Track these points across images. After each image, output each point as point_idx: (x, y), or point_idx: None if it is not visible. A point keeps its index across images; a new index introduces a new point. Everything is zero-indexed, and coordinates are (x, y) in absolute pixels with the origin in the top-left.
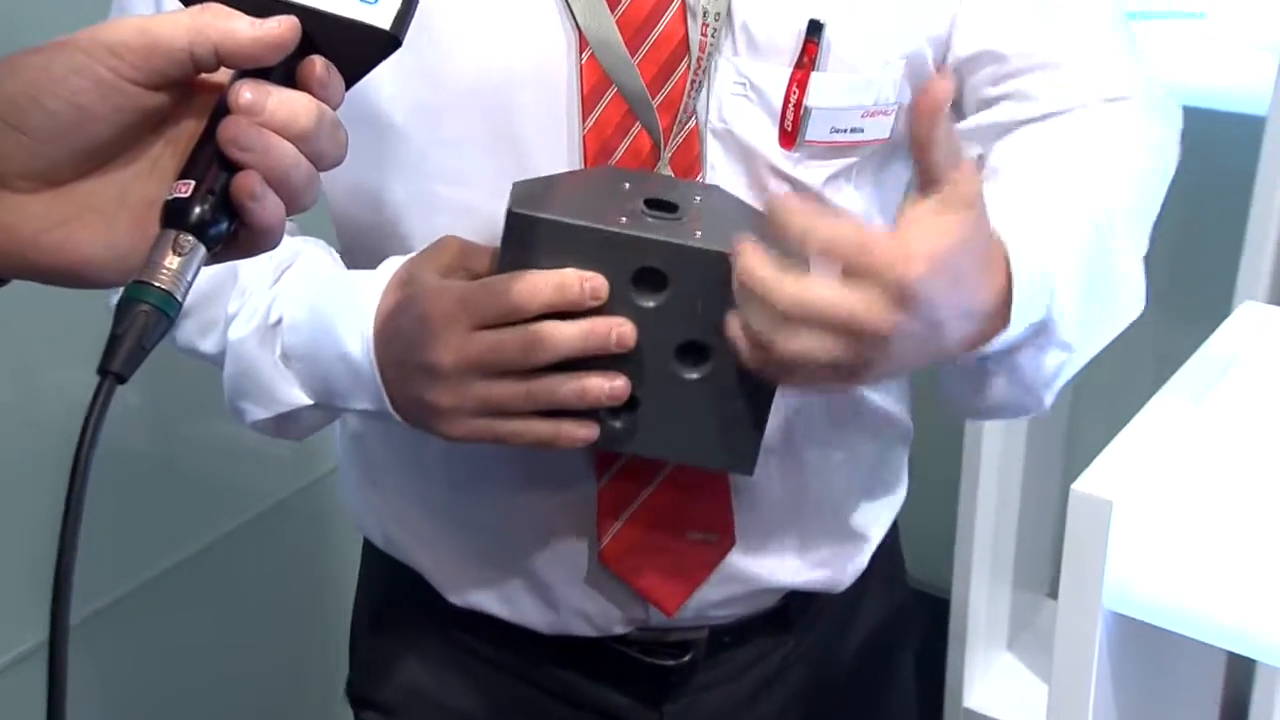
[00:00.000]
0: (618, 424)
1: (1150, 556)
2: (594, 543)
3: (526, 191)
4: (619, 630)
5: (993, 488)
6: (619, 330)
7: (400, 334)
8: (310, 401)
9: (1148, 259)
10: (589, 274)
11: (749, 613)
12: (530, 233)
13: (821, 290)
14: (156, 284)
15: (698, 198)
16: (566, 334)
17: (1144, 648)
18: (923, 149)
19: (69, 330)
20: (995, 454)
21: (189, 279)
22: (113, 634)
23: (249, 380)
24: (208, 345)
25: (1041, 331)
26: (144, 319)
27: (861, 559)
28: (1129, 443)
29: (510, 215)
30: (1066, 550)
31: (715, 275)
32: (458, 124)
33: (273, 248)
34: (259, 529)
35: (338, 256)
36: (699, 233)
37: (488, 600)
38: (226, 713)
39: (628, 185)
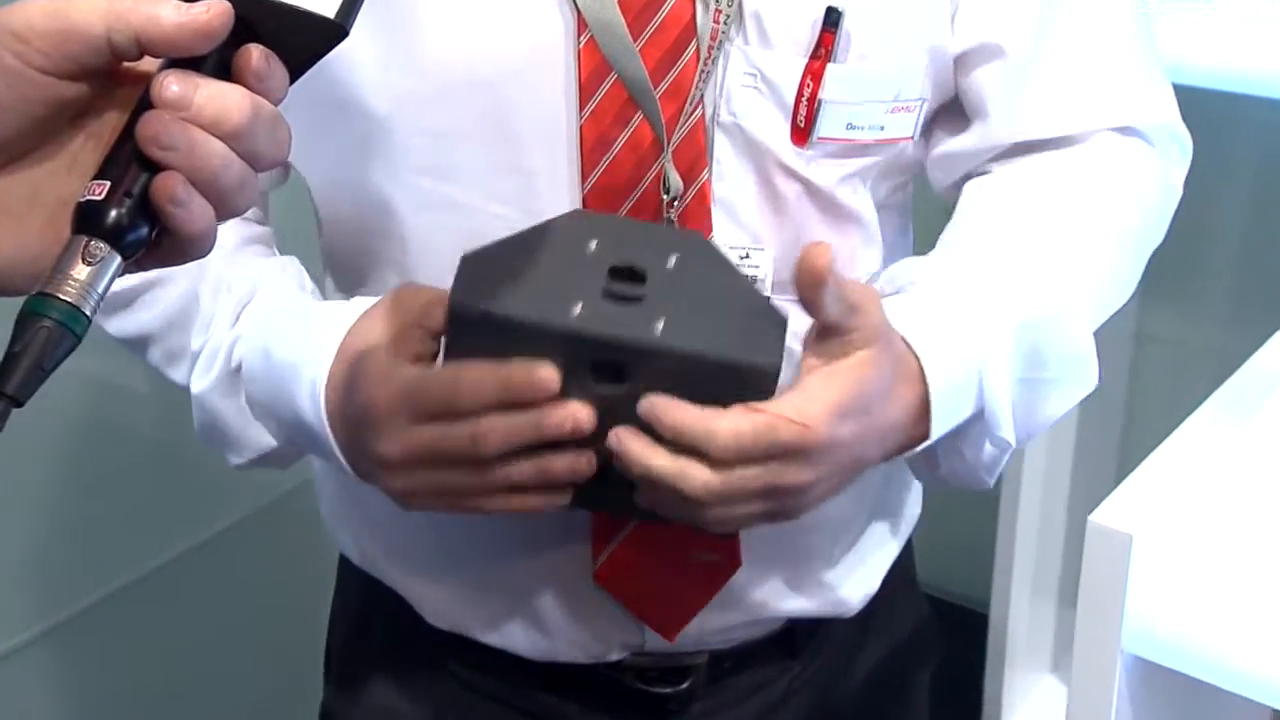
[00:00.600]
0: (589, 487)
1: (1175, 596)
2: (588, 564)
3: (474, 271)
4: (613, 657)
5: (1037, 494)
6: (575, 419)
7: (347, 418)
8: (279, 443)
9: (1210, 262)
10: (539, 366)
11: (752, 638)
12: (476, 325)
13: (741, 472)
14: (61, 296)
15: (672, 257)
16: (516, 426)
17: (1173, 698)
18: (812, 309)
19: None
20: (1040, 458)
21: (100, 291)
22: (105, 628)
23: (219, 431)
24: (177, 375)
25: (978, 422)
26: (45, 335)
27: (872, 583)
28: (1155, 470)
29: (453, 307)
30: (1083, 587)
31: (678, 369)
32: (445, 114)
33: (203, 255)
34: (255, 526)
35: (306, 279)
36: (662, 320)
37: (471, 624)
38: (213, 711)
39: (594, 245)
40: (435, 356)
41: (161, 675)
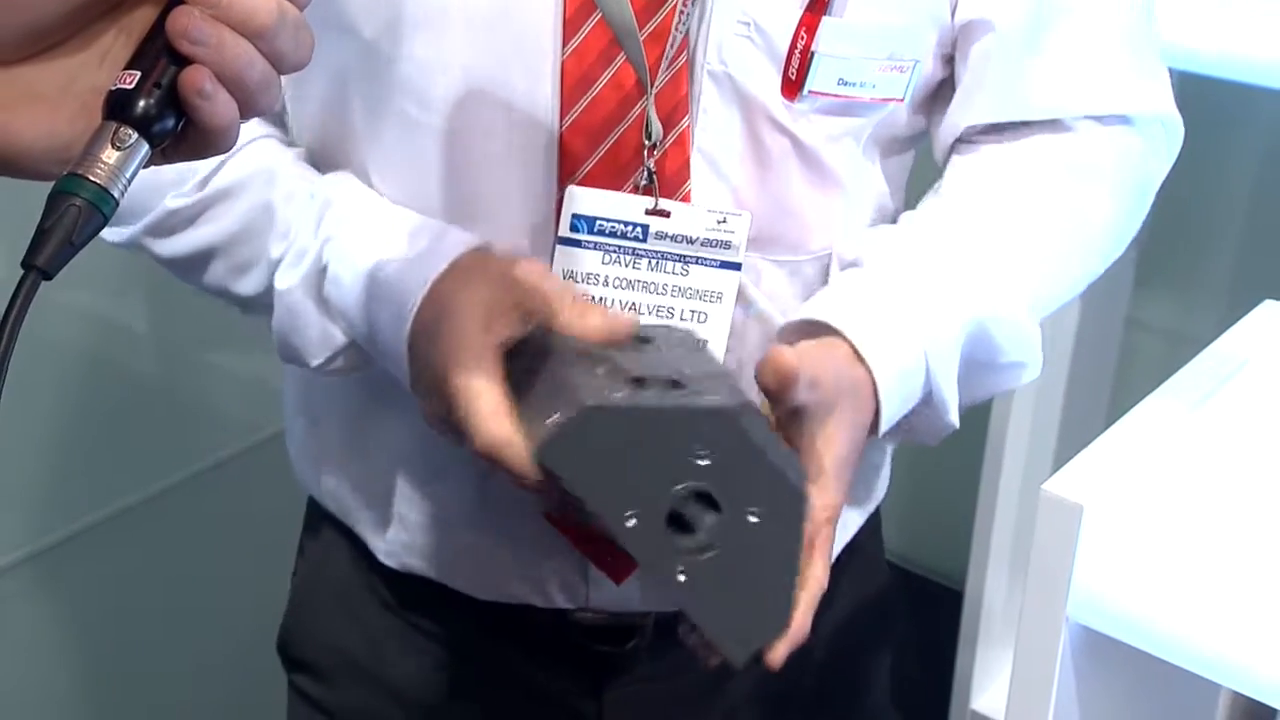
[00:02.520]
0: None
1: (1123, 567)
2: (538, 501)
3: (583, 429)
4: (560, 603)
5: (1017, 475)
6: None
7: (421, 361)
8: (356, 340)
9: (1203, 251)
10: None
11: None
12: (549, 473)
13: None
14: (91, 178)
15: (752, 512)
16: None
17: (1118, 669)
18: (782, 404)
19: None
20: (1023, 440)
21: (128, 175)
22: (89, 555)
23: (298, 331)
24: (245, 286)
25: (926, 406)
26: (75, 213)
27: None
28: (1111, 444)
29: (539, 457)
30: (1033, 556)
31: None
32: (430, 42)
33: (226, 150)
34: (239, 466)
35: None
36: (685, 579)
37: (419, 561)
38: (187, 640)
39: (703, 459)
40: (513, 342)
41: (138, 605)
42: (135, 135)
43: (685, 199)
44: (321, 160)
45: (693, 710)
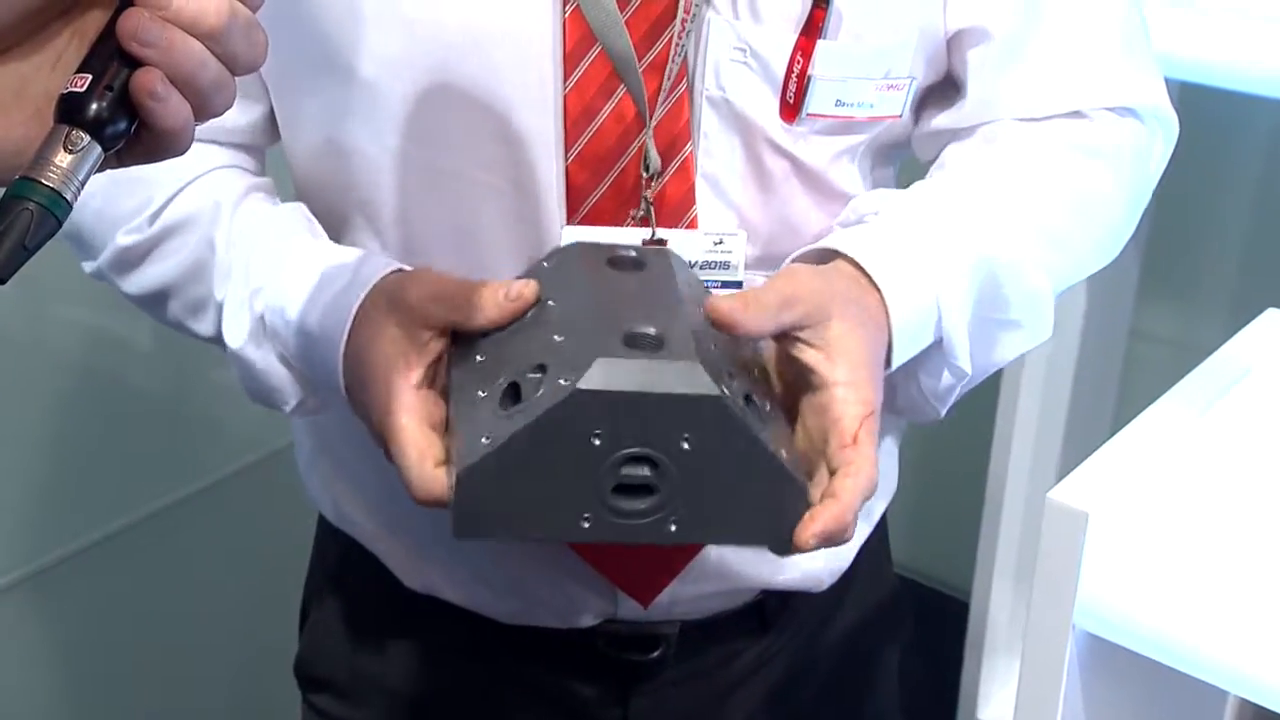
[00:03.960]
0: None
1: (1129, 575)
2: None
3: (472, 489)
4: (586, 623)
5: (1022, 487)
6: None
7: (359, 404)
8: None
9: (1207, 262)
10: None
11: (723, 609)
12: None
13: (856, 498)
14: (44, 181)
15: (684, 437)
16: None
17: (1123, 675)
18: (761, 330)
19: (70, 263)
20: (1027, 452)
21: (81, 178)
22: (87, 576)
23: (262, 384)
24: (202, 327)
25: (935, 355)
26: (28, 217)
27: (845, 556)
28: (1116, 451)
29: (456, 531)
30: (1039, 563)
31: None
32: (431, 79)
33: (180, 153)
34: (240, 483)
35: (315, 224)
36: (674, 523)
37: (443, 586)
38: (190, 662)
39: (599, 438)
40: (442, 355)
41: (139, 627)
42: (88, 138)
43: (692, 224)
44: (317, 198)
45: (718, 710)
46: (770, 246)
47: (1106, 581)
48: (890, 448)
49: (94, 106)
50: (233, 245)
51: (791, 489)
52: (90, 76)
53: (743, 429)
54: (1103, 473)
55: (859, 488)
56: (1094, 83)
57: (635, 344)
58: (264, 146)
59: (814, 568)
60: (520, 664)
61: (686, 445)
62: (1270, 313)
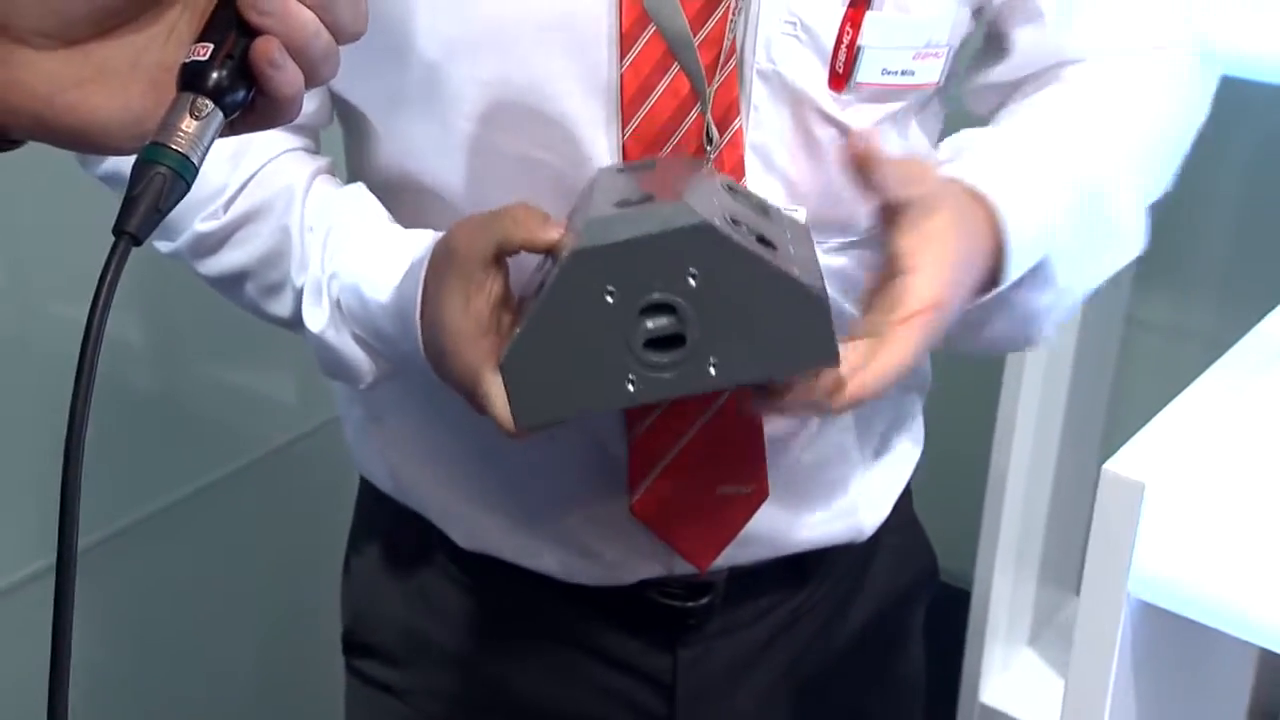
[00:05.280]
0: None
1: (1183, 544)
2: (623, 496)
3: (519, 377)
4: (643, 577)
5: (1022, 475)
6: None
7: (456, 387)
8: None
9: (1201, 248)
10: None
11: (770, 555)
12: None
13: (883, 372)
14: (173, 146)
15: (690, 274)
16: None
17: (1171, 642)
18: (871, 191)
19: (68, 262)
20: (1028, 439)
21: (206, 144)
22: (111, 566)
23: (342, 365)
24: (276, 308)
25: (1037, 271)
26: (161, 181)
27: (884, 508)
28: (1168, 424)
29: (517, 424)
30: (1094, 533)
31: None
32: (493, 62)
33: (291, 120)
34: (267, 469)
35: (379, 205)
36: (712, 363)
37: (502, 547)
38: (223, 648)
39: (611, 295)
40: (505, 282)
41: (139, 628)
42: (211, 105)
43: None
44: (377, 181)
45: (763, 658)
46: (817, 214)
47: (1162, 551)
48: (917, 402)
49: (216, 74)
50: (306, 231)
51: (810, 299)
52: (211, 46)
53: (740, 251)
54: (1157, 443)
55: (889, 363)
56: (1153, 22)
57: (626, 205)
58: (321, 127)
59: (858, 519)
60: (573, 620)
61: (693, 281)
62: None
